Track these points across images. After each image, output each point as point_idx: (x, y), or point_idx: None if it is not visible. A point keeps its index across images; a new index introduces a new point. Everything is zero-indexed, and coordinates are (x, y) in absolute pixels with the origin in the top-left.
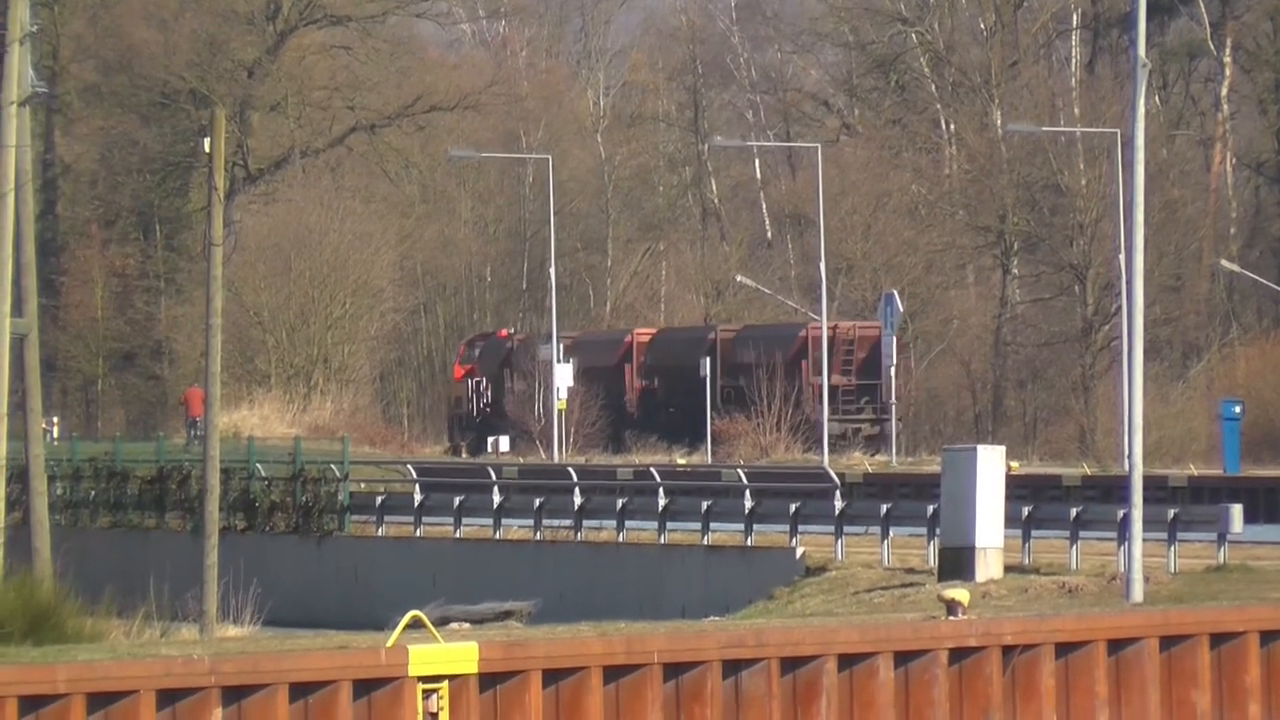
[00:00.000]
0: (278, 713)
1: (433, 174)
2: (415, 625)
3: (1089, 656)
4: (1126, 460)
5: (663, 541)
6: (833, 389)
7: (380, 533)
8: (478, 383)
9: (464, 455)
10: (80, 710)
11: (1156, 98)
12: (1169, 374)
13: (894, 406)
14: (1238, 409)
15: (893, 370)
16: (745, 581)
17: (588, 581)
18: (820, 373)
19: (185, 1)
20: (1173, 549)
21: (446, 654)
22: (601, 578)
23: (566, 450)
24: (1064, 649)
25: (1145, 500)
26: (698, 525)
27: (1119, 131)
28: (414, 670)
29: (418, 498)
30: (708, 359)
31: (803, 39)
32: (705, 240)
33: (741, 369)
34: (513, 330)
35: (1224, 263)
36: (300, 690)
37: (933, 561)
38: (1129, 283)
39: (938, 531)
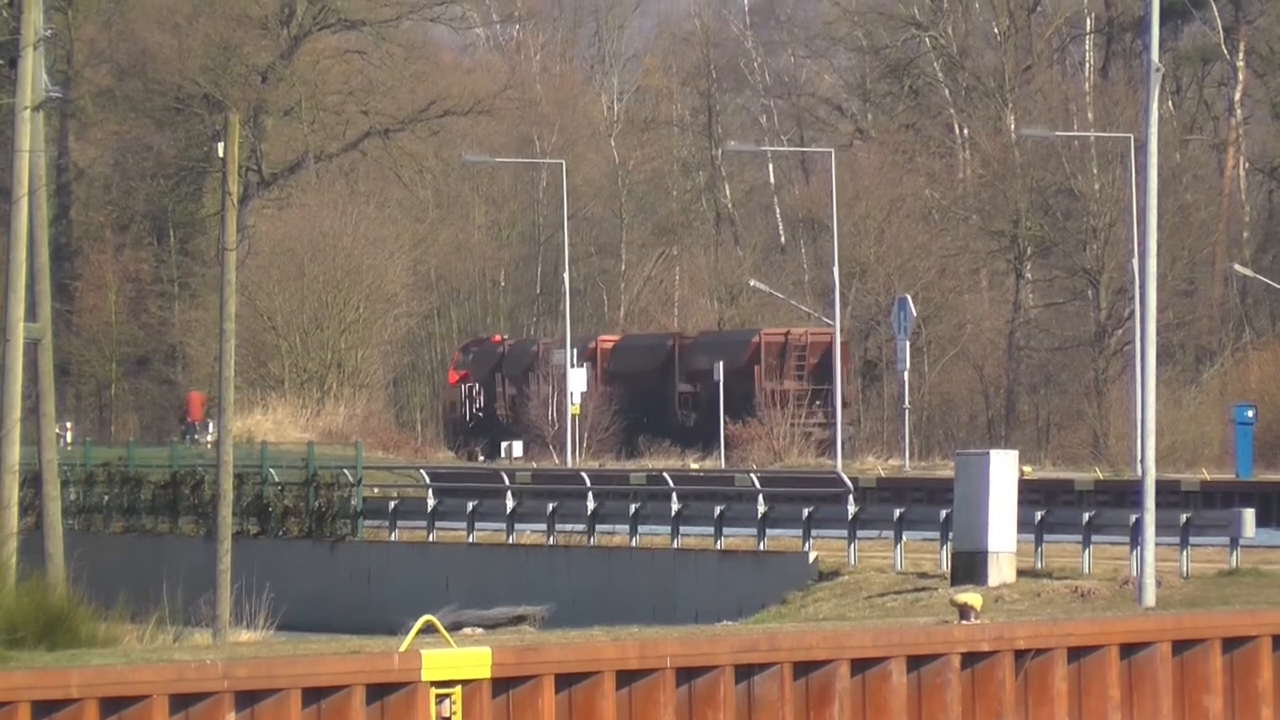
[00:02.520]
0: (290, 718)
1: (446, 178)
2: (428, 630)
3: (1101, 660)
4: (1139, 465)
5: (676, 546)
6: (785, 393)
7: (393, 537)
8: (470, 388)
9: (480, 459)
10: (93, 715)
11: (1170, 102)
12: (1182, 378)
13: (906, 411)
14: (1250, 413)
15: (905, 375)
16: (758, 586)
17: (601, 586)
18: (773, 378)
19: (199, 6)
20: (1185, 553)
21: (460, 659)
22: (614, 582)
23: (580, 455)
24: (1076, 653)
25: (1158, 504)
26: (711, 530)
27: (1132, 136)
28: (427, 675)
29: (431, 502)
30: (721, 364)
31: (816, 43)
32: (719, 245)
33: (699, 375)
34: (505, 335)
35: (1237, 267)
36: (313, 695)
37: (945, 566)
38: (1142, 287)
39: (950, 536)
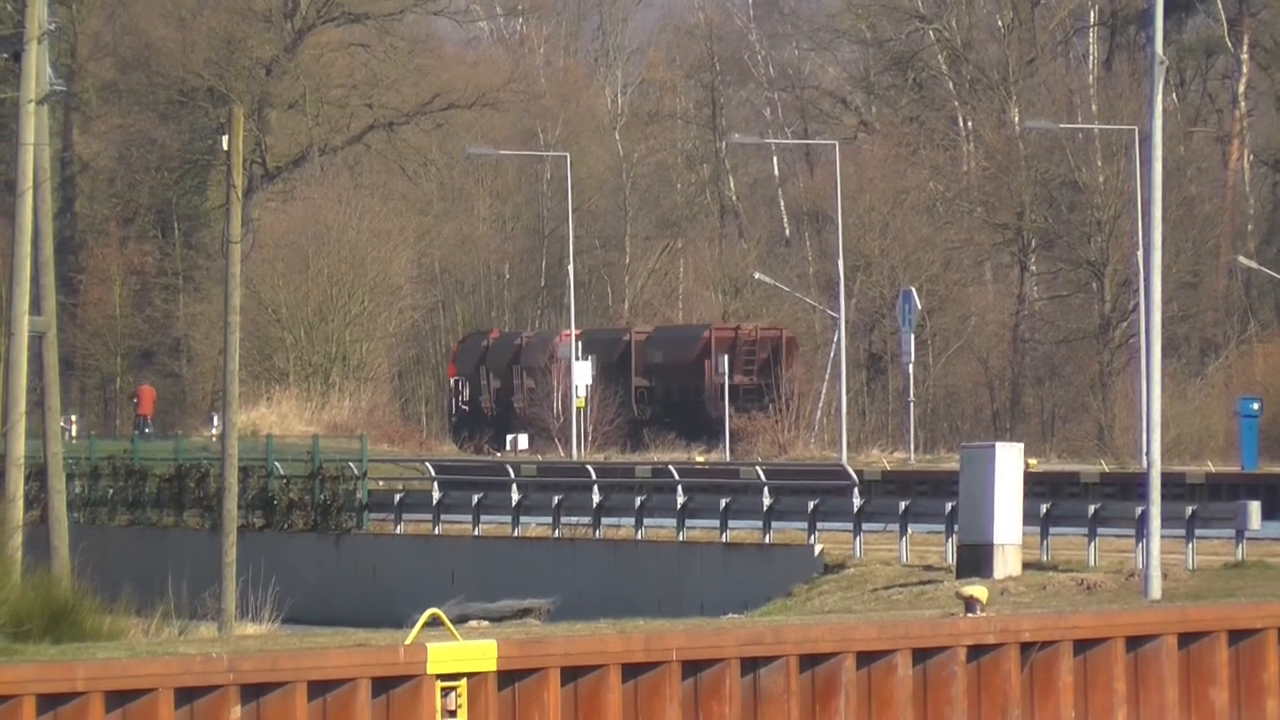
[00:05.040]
0: (296, 711)
1: (451, 171)
2: (434, 623)
3: (1107, 653)
4: (1144, 457)
5: (681, 539)
6: (734, 388)
7: (398, 530)
8: (458, 381)
9: (496, 454)
10: (99, 708)
11: (1174, 95)
12: (1187, 371)
13: (911, 404)
14: (1255, 406)
15: (910, 367)
16: (764, 579)
17: (606, 579)
18: (722, 371)
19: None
20: (1191, 546)
21: (465, 652)
22: (620, 575)
23: (585, 448)
24: (1082, 646)
25: (1163, 497)
26: (716, 523)
27: (1136, 128)
28: (432, 668)
29: (436, 495)
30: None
31: (820, 36)
32: (723, 238)
33: (653, 369)
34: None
35: (1241, 259)
36: (319, 688)
37: (951, 558)
38: (1147, 279)
39: (956, 528)
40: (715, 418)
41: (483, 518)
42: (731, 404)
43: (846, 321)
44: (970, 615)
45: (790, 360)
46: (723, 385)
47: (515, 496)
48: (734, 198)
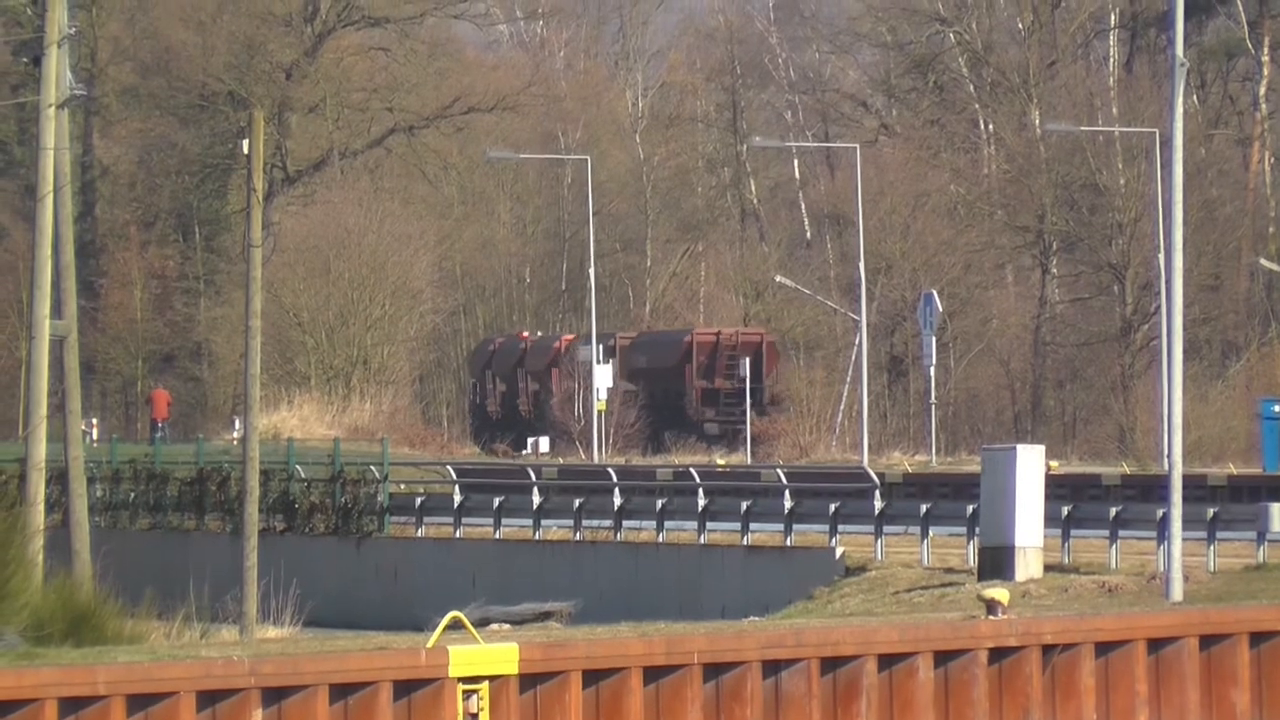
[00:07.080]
0: (318, 714)
1: (471, 175)
2: (455, 626)
3: (1129, 656)
4: (1166, 459)
5: (702, 542)
6: (715, 391)
7: (420, 534)
8: (473, 384)
9: (508, 454)
10: (120, 712)
11: (1194, 97)
12: (1208, 373)
13: (932, 406)
14: (1277, 408)
15: (931, 370)
16: (785, 581)
17: (627, 582)
18: (704, 377)
19: (223, 3)
20: (1212, 548)
21: (487, 655)
22: (641, 578)
23: (606, 451)
24: (1104, 648)
25: (1184, 499)
26: (737, 525)
27: (1157, 131)
28: (454, 671)
29: (457, 499)
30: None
31: (841, 39)
32: (744, 241)
33: (638, 374)
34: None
35: (1263, 261)
36: (340, 691)
37: (972, 561)
38: (1168, 282)
39: (977, 531)
40: (696, 422)
41: (504, 521)
42: (712, 408)
43: (868, 324)
44: (992, 618)
45: (770, 365)
46: (703, 390)
47: (536, 499)
48: (755, 201)
